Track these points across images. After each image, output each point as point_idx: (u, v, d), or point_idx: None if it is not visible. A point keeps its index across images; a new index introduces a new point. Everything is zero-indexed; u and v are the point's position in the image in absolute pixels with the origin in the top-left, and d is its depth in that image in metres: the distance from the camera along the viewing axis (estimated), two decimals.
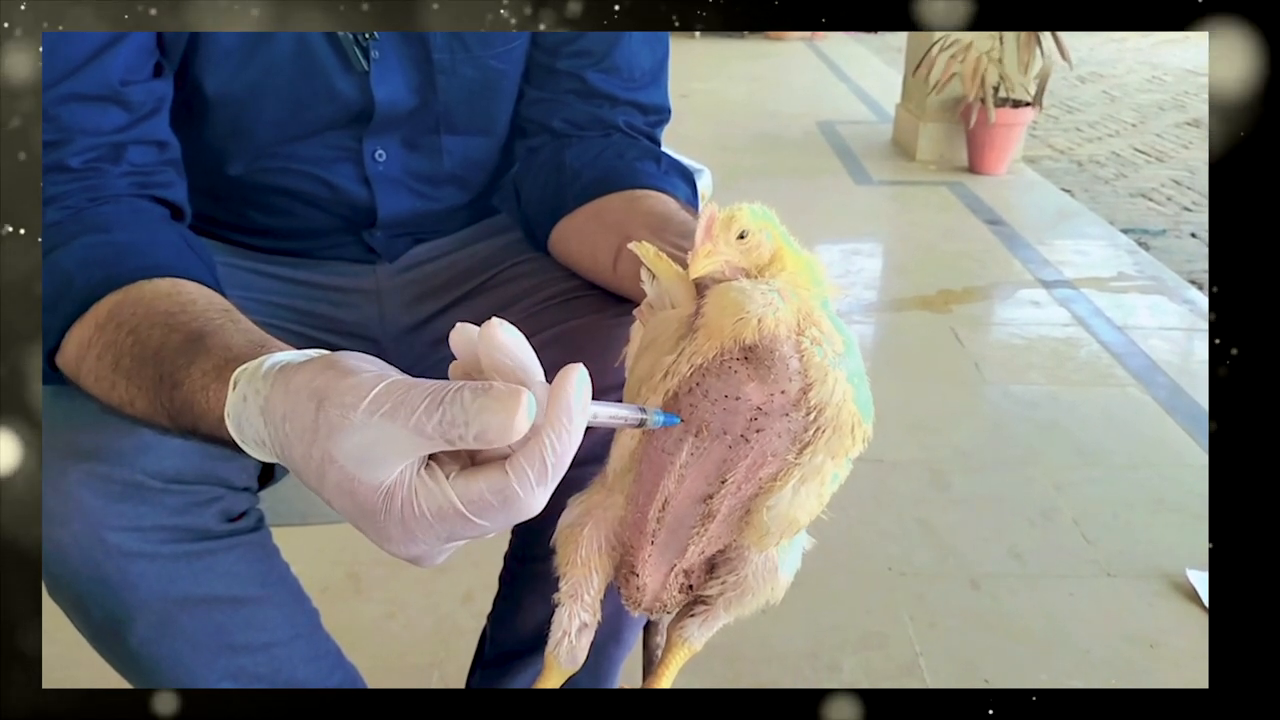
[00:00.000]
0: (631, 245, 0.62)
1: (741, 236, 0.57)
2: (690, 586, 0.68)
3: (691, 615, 0.70)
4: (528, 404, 0.47)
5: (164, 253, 0.76)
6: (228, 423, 0.57)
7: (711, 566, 0.67)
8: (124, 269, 0.72)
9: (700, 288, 0.59)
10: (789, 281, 0.56)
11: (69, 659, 0.87)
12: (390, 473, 0.49)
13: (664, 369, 0.57)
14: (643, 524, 0.63)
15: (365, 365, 0.51)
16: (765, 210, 0.58)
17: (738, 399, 0.56)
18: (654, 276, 0.61)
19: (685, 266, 0.60)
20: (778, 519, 0.60)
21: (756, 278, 0.57)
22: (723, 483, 0.59)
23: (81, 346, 0.70)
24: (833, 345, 0.56)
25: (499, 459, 0.49)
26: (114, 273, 0.72)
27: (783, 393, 0.55)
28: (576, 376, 0.49)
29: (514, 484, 0.49)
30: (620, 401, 0.59)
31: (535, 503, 0.49)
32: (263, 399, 0.54)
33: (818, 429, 0.56)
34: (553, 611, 0.70)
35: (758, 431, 0.56)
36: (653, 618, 0.69)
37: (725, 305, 0.55)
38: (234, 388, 0.56)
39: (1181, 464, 2.10)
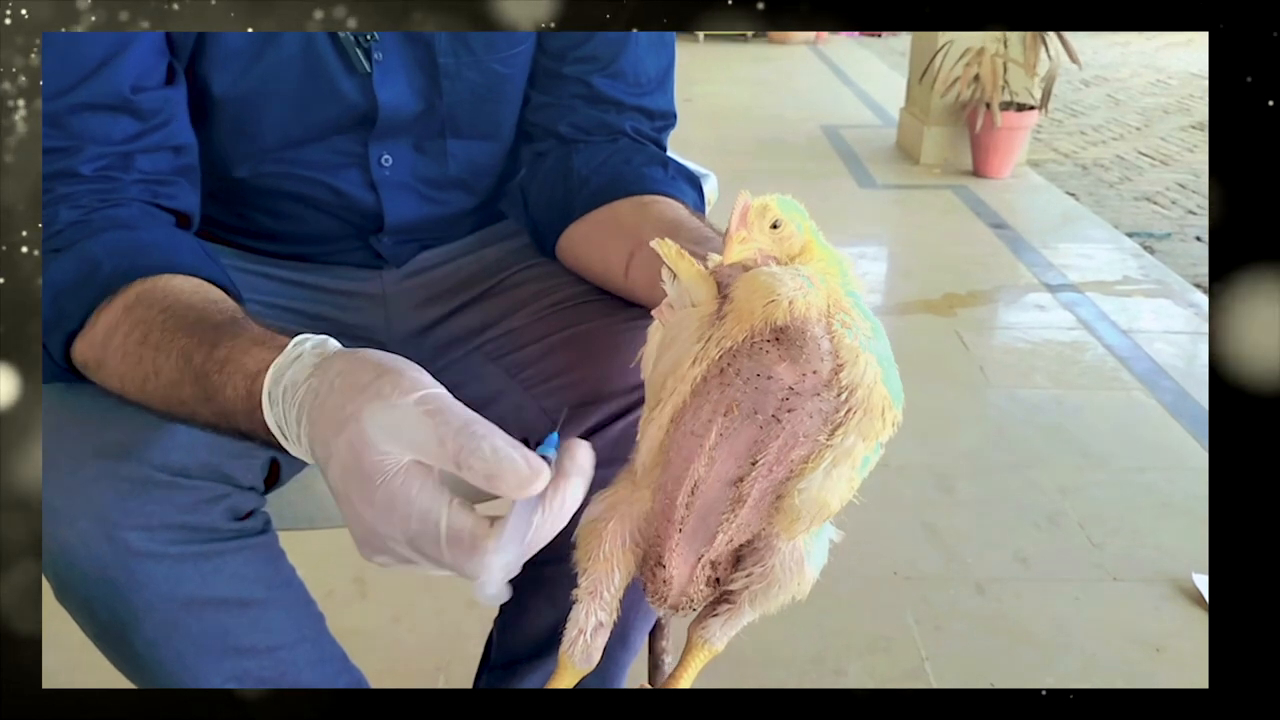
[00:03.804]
0: (654, 243, 0.62)
1: (774, 226, 0.58)
2: (716, 580, 0.68)
3: (714, 614, 0.70)
4: (544, 477, 0.54)
5: (187, 256, 0.78)
6: (267, 375, 0.61)
7: (738, 559, 0.67)
8: (151, 261, 0.75)
9: (720, 286, 0.59)
10: (818, 271, 0.57)
11: (71, 662, 0.87)
12: (399, 457, 0.55)
13: (692, 356, 0.58)
14: (671, 510, 0.62)
15: (425, 374, 0.58)
16: (795, 203, 0.59)
17: (770, 378, 0.56)
18: (675, 276, 0.61)
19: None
20: (809, 502, 0.60)
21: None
22: (754, 464, 0.59)
23: (109, 327, 0.71)
24: (861, 330, 0.56)
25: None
26: (142, 263, 0.74)
27: (815, 373, 0.56)
28: (577, 486, 0.57)
29: (490, 535, 0.55)
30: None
31: (490, 559, 0.54)
32: (321, 357, 0.60)
33: (849, 410, 0.57)
34: (559, 615, 0.70)
35: (789, 411, 0.57)
36: (678, 614, 0.69)
37: (756, 288, 0.56)
38: (292, 347, 0.62)
39: (1187, 467, 2.09)
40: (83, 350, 0.73)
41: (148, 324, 0.70)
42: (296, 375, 0.61)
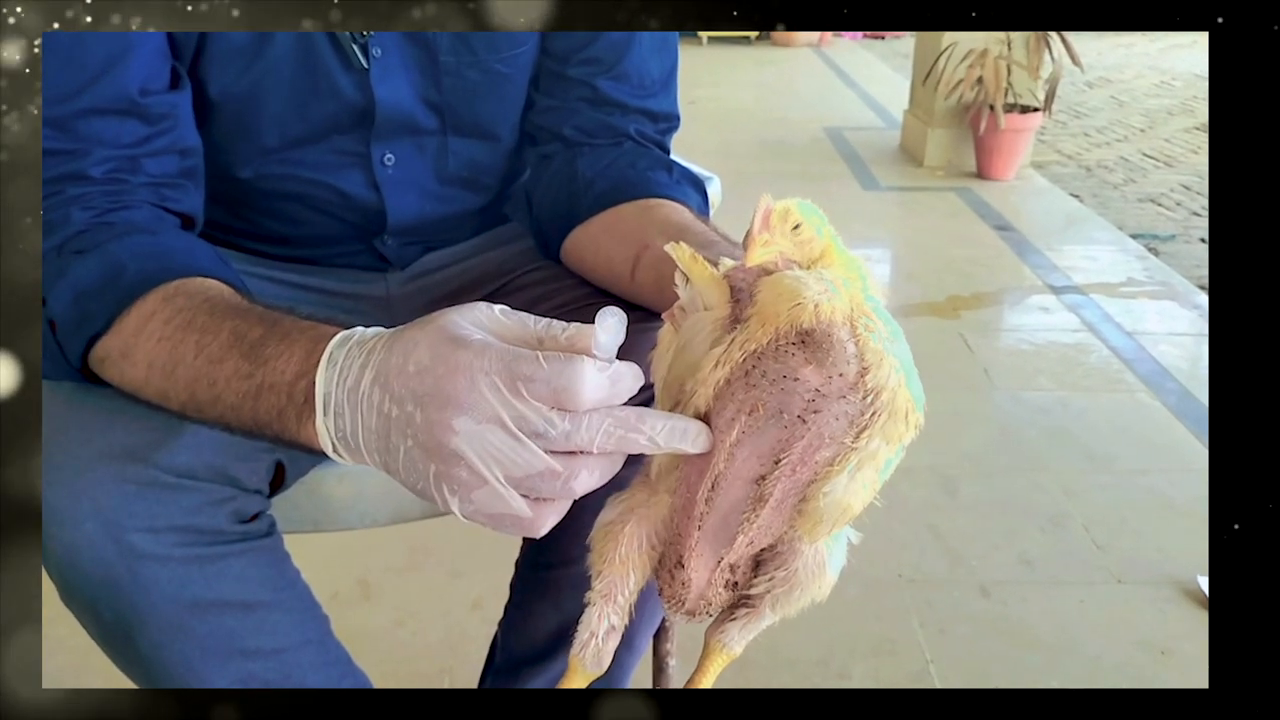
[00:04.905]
0: (668, 247, 0.62)
1: (796, 229, 0.58)
2: (734, 584, 0.67)
3: (733, 619, 0.69)
4: (622, 334, 0.58)
5: (208, 262, 0.78)
6: (337, 337, 0.62)
7: (756, 564, 0.67)
8: (176, 264, 0.75)
9: (733, 290, 0.59)
10: (839, 275, 0.57)
11: (73, 664, 0.87)
12: (487, 338, 0.58)
13: (714, 359, 0.58)
14: (691, 507, 0.62)
15: None
16: (815, 207, 0.59)
17: (796, 380, 0.56)
18: (687, 279, 0.62)
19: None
20: (833, 505, 0.60)
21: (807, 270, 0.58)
22: (776, 464, 0.59)
23: (143, 318, 0.71)
24: (883, 334, 0.57)
25: None
26: (169, 265, 0.74)
27: (840, 375, 0.56)
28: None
29: (588, 336, 0.57)
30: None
31: (588, 383, 0.55)
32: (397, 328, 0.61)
33: (874, 413, 0.57)
34: (564, 619, 0.70)
35: (815, 413, 0.57)
36: (694, 620, 0.69)
37: (781, 292, 0.56)
38: (354, 327, 0.63)
39: (1191, 469, 2.09)
40: (106, 344, 0.73)
41: (192, 310, 0.70)
42: (367, 335, 0.62)
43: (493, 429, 0.55)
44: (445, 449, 0.56)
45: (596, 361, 0.56)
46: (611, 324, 0.57)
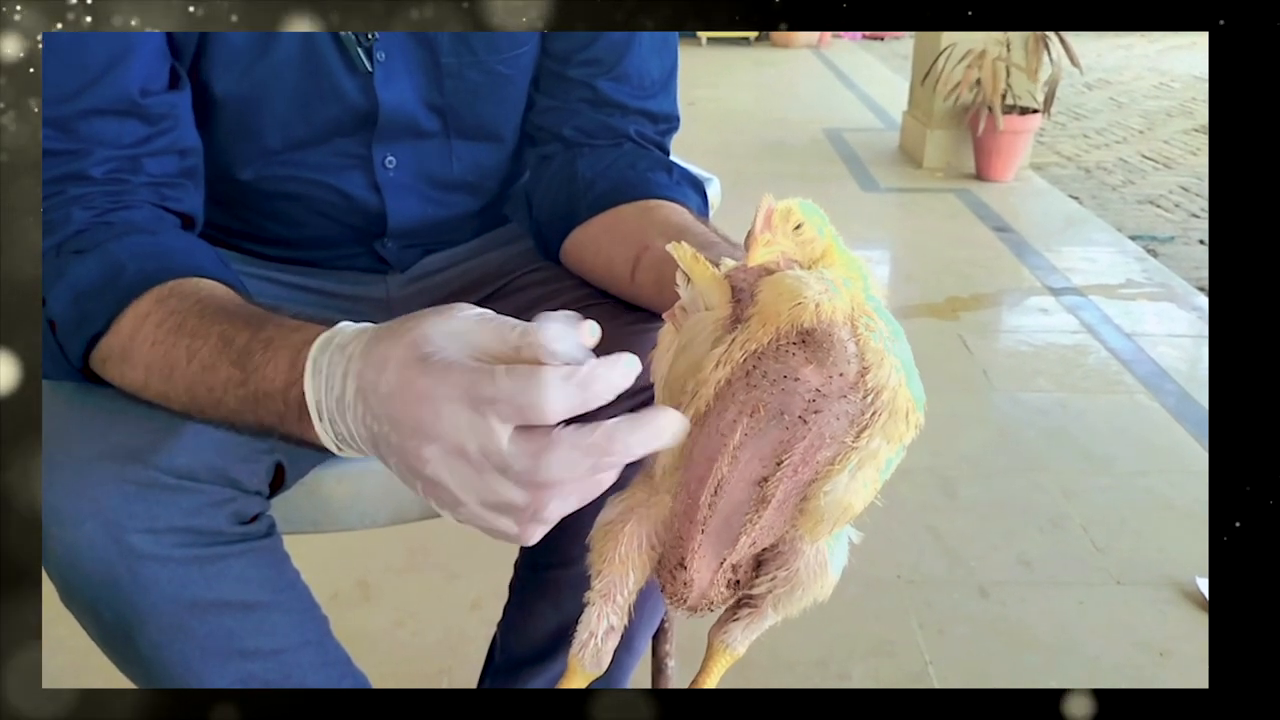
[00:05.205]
0: (669, 247, 0.62)
1: (797, 229, 0.58)
2: (737, 582, 0.67)
3: (735, 619, 0.70)
4: (568, 376, 0.53)
5: (207, 261, 0.78)
6: (316, 343, 0.61)
7: (758, 563, 0.67)
8: (174, 264, 0.75)
9: (734, 290, 0.59)
10: (841, 275, 0.57)
11: (75, 664, 0.87)
12: (457, 354, 0.55)
13: (715, 359, 0.57)
14: (694, 510, 0.62)
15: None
16: (816, 207, 0.59)
17: (796, 380, 0.56)
18: (689, 279, 0.62)
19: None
20: (834, 504, 0.60)
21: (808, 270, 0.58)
22: (779, 465, 0.59)
23: (140, 317, 0.71)
24: (884, 333, 0.57)
25: None
26: (169, 265, 0.74)
27: (841, 375, 0.56)
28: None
29: (541, 371, 0.52)
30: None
31: (551, 397, 0.52)
32: (376, 326, 0.60)
33: (874, 412, 0.57)
34: (563, 619, 0.70)
35: (815, 413, 0.57)
36: (696, 615, 0.69)
37: (782, 291, 0.56)
38: (341, 325, 0.62)
39: (1190, 471, 2.09)
40: (108, 344, 0.73)
41: (183, 313, 0.70)
42: (346, 337, 0.60)
43: (459, 461, 0.54)
44: (422, 474, 0.55)
45: (561, 369, 0.52)
46: (556, 330, 0.54)
